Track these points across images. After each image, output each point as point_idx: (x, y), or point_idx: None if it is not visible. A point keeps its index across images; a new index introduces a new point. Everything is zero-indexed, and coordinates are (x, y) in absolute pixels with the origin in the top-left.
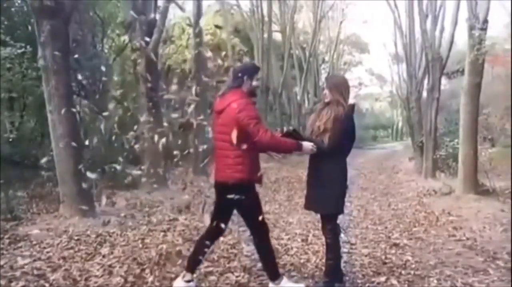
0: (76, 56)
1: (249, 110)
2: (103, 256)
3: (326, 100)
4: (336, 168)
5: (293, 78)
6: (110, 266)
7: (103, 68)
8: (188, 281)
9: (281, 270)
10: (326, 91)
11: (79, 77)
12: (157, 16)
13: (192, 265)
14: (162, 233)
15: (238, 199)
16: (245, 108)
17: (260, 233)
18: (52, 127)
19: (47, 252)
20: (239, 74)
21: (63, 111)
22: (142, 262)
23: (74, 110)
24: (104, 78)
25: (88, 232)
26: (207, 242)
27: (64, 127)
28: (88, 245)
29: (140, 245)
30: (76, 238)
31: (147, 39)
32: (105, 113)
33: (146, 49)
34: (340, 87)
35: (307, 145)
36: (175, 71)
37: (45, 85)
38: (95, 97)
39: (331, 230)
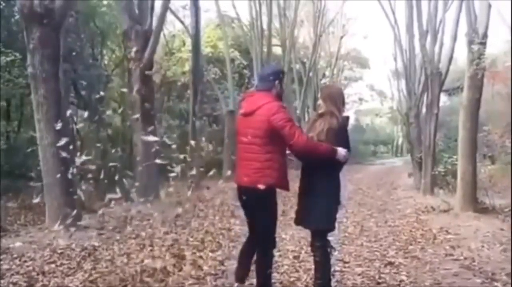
0: (72, 66)
1: (284, 113)
2: (85, 271)
3: (320, 111)
4: (329, 183)
5: (292, 92)
6: (91, 282)
7: (102, 79)
8: None
9: None
10: (320, 102)
11: (77, 88)
12: (153, 26)
13: (240, 276)
14: (149, 248)
15: (259, 204)
16: (280, 110)
17: (267, 246)
18: (40, 136)
19: (27, 266)
20: (270, 77)
21: (51, 120)
22: (125, 278)
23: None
24: (102, 93)
25: (73, 246)
26: (247, 253)
27: (52, 136)
28: (71, 259)
29: (125, 260)
30: (59, 251)
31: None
32: (80, 125)
33: (141, 59)
34: (335, 98)
35: (341, 150)
36: (176, 83)
37: (34, 93)
38: (93, 108)
39: (321, 247)
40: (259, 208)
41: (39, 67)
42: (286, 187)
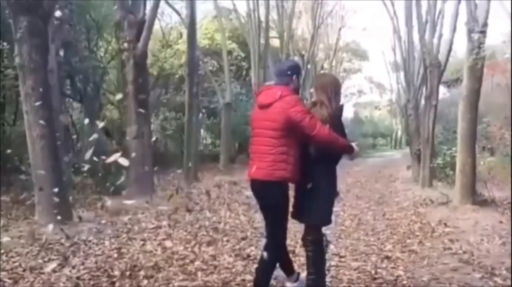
0: (67, 58)
1: (302, 105)
2: (73, 267)
3: (313, 100)
4: (327, 177)
5: None
6: (78, 278)
7: (97, 71)
8: (295, 281)
9: None
10: (313, 90)
11: (73, 80)
12: (147, 16)
13: (286, 269)
14: (141, 242)
15: (274, 198)
16: (298, 103)
17: (277, 243)
18: (28, 129)
19: (13, 262)
20: (288, 72)
21: (39, 111)
22: (113, 274)
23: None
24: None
25: (62, 241)
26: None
27: (41, 128)
28: (60, 254)
29: (116, 255)
30: (48, 246)
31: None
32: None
33: (135, 50)
34: (327, 87)
35: (355, 147)
36: (173, 75)
37: (21, 84)
38: (90, 100)
39: (313, 241)
40: (271, 202)
41: (27, 57)
42: (296, 182)
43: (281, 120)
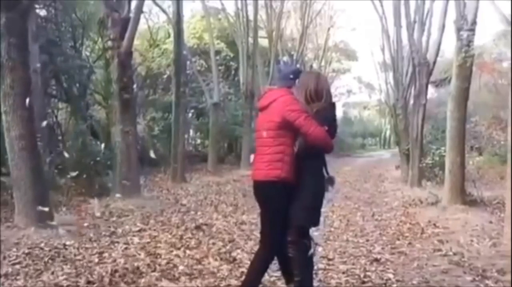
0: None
1: (298, 105)
2: (52, 273)
3: None
4: (310, 174)
5: None
6: (56, 285)
7: (83, 71)
8: None
9: None
10: (294, 89)
11: (59, 80)
12: (131, 13)
13: (288, 275)
14: (124, 246)
15: (270, 199)
16: (294, 103)
17: (272, 247)
18: (6, 129)
19: None
20: (291, 76)
21: (19, 111)
22: (93, 280)
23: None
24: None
25: (42, 245)
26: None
27: (20, 128)
28: (38, 259)
29: (97, 260)
30: (26, 251)
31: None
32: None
33: (119, 48)
34: (305, 86)
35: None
36: (162, 75)
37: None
38: (75, 100)
39: (295, 242)
40: (268, 202)
41: (5, 55)
42: (293, 181)
43: (277, 120)
